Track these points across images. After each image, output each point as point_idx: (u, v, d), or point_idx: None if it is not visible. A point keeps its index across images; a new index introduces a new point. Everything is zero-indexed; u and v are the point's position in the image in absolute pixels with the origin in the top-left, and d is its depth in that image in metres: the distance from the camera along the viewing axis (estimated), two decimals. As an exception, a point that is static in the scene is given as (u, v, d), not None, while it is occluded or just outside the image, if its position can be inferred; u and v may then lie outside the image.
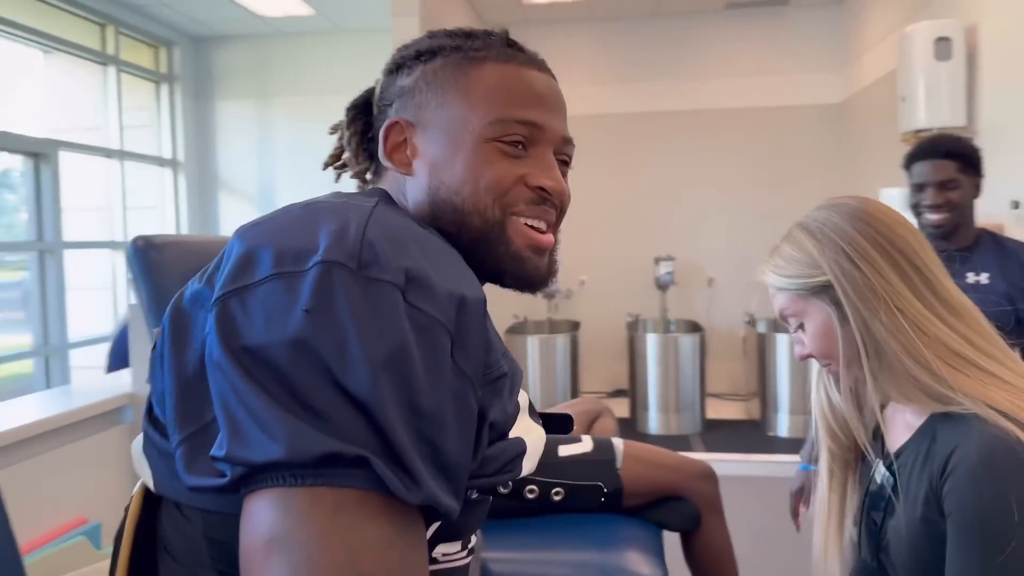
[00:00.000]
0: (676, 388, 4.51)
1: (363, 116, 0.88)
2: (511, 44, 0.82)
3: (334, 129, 0.92)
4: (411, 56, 0.82)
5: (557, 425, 1.00)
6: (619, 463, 1.74)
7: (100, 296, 4.56)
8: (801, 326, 1.08)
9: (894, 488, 1.02)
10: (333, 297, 0.56)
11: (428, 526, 0.65)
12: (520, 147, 0.77)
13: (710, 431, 4.52)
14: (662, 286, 4.96)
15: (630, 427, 4.59)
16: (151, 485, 0.70)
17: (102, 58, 4.50)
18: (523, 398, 0.76)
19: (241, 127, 5.10)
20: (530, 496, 0.77)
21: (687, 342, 4.52)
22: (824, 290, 1.02)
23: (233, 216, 5.08)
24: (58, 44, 4.21)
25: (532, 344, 4.65)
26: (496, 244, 0.76)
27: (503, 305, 5.34)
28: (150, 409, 0.70)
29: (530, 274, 0.79)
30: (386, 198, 0.78)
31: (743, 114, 5.14)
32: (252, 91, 5.09)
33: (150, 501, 0.72)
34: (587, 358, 5.15)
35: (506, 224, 0.76)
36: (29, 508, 1.38)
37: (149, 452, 0.69)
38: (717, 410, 4.83)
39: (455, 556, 0.74)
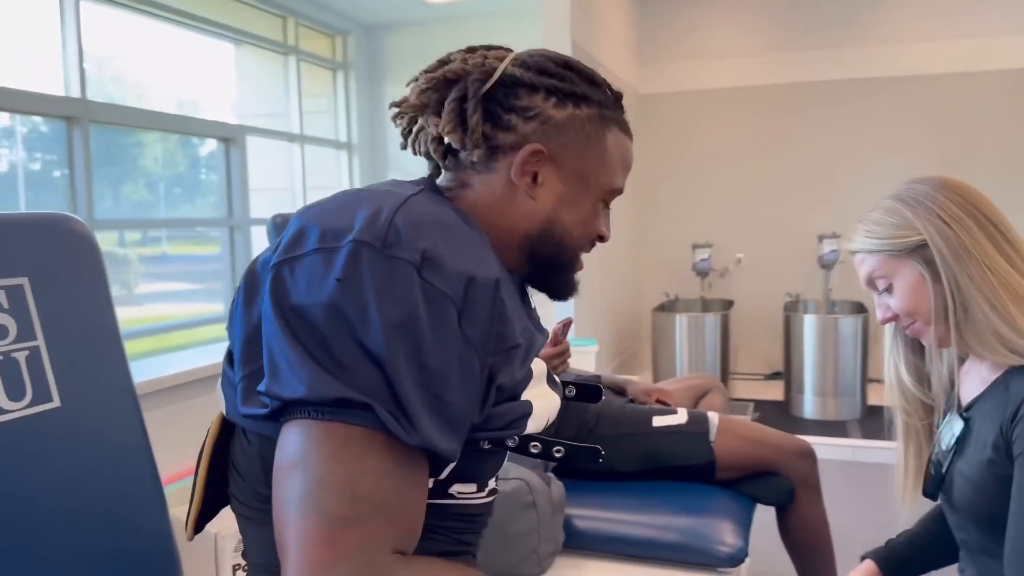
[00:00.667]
0: (835, 372, 4.32)
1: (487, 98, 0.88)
2: (623, 107, 0.95)
3: (428, 83, 0.89)
4: (564, 90, 0.87)
5: (588, 394, 1.09)
6: (712, 436, 1.76)
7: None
8: (889, 288, 1.15)
9: (963, 436, 1.12)
10: (360, 270, 0.68)
11: (443, 469, 0.75)
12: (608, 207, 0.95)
13: (870, 418, 4.31)
14: (826, 265, 4.75)
15: (783, 411, 4.46)
16: (225, 413, 0.84)
17: (284, 48, 4.91)
18: (539, 366, 0.86)
19: (408, 110, 5.39)
20: (534, 451, 0.87)
21: (848, 324, 4.31)
22: (917, 250, 1.11)
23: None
24: (246, 37, 4.64)
25: (680, 322, 4.61)
26: (565, 272, 0.93)
27: (653, 283, 5.32)
28: (229, 353, 0.84)
29: (572, 292, 0.97)
30: (431, 187, 0.89)
31: (917, 82, 4.78)
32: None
33: (225, 428, 0.86)
34: (741, 338, 5.04)
35: (578, 259, 0.93)
36: (173, 444, 1.62)
37: (224, 387, 0.84)
38: (880, 396, 4.57)
39: (472, 495, 0.85)
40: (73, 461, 1.06)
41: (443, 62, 0.91)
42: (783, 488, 1.76)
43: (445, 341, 0.70)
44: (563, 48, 3.94)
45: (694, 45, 5.25)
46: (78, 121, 3.02)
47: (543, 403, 0.84)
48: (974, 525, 1.12)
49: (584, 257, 0.95)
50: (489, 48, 0.93)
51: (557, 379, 0.96)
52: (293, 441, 0.68)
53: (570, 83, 0.88)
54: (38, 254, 1.09)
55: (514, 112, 0.86)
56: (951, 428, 1.15)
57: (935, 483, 1.17)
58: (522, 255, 0.89)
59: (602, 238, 0.96)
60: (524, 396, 0.81)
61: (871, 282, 1.18)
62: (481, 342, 0.73)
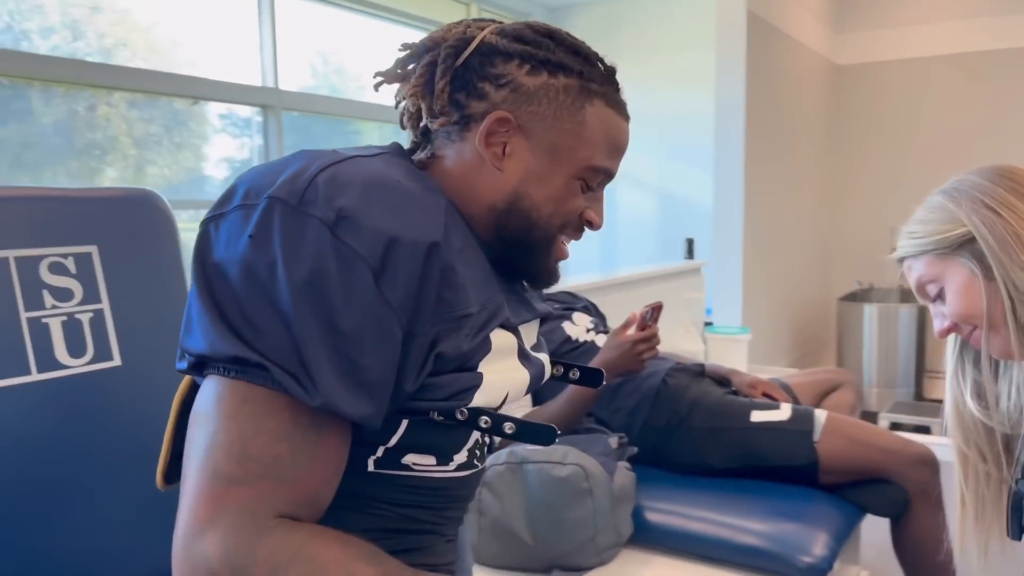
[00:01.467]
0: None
1: (452, 61, 0.84)
2: (615, 83, 0.88)
3: (408, 51, 0.88)
4: (538, 57, 0.84)
5: (590, 377, 1.02)
6: (817, 436, 1.62)
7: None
8: (940, 294, 1.03)
9: None
10: (271, 227, 0.68)
11: (377, 437, 0.75)
12: (592, 189, 0.88)
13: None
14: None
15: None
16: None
17: (466, 36, 5.07)
18: (506, 340, 0.82)
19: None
20: (484, 426, 0.82)
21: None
22: (964, 245, 0.98)
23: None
24: (432, 25, 4.83)
25: (869, 313, 4.22)
26: (539, 254, 0.87)
27: (844, 270, 4.92)
28: None
29: (547, 280, 0.91)
30: (398, 150, 0.87)
31: None
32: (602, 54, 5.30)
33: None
34: (943, 334, 4.53)
35: (553, 242, 0.87)
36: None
37: None
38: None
39: (432, 468, 0.81)
40: (131, 415, 1.17)
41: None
42: (896, 498, 1.57)
43: (357, 302, 0.67)
44: (737, 19, 3.71)
45: (897, 10, 4.77)
46: (272, 109, 3.29)
47: (501, 377, 0.80)
48: None
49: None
50: (481, 21, 0.90)
51: (534, 355, 0.90)
52: (204, 395, 0.70)
53: (546, 50, 0.83)
54: (112, 225, 1.20)
55: (488, 80, 0.82)
56: None
57: (1016, 521, 1.01)
58: (491, 231, 0.85)
59: (591, 224, 0.89)
60: (482, 368, 0.78)
61: (921, 290, 1.05)
62: (403, 305, 0.70)
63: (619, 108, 0.88)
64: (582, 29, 5.35)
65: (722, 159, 3.78)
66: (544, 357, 0.93)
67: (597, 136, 0.85)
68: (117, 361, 1.16)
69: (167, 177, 3.35)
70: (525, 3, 5.28)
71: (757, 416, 1.67)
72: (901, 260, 1.08)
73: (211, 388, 0.69)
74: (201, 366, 0.70)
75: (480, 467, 0.90)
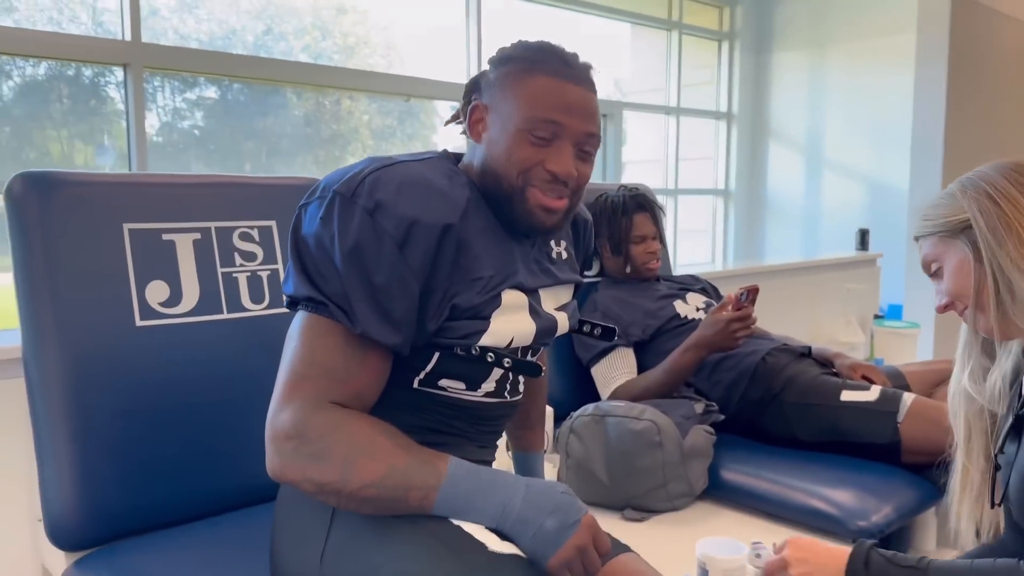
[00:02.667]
0: None
1: (474, 87, 1.15)
2: (568, 63, 1.10)
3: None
4: (501, 57, 1.14)
5: (605, 333, 1.27)
6: (901, 417, 1.71)
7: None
8: (939, 273, 1.14)
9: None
10: (332, 212, 1.00)
11: (416, 360, 1.05)
12: (544, 140, 1.08)
13: None
14: None
15: None
16: None
17: (668, 24, 5.19)
18: (517, 298, 1.10)
19: (794, 78, 5.29)
20: (489, 360, 1.09)
21: None
22: (964, 230, 1.08)
23: (781, 163, 5.34)
24: (632, 17, 5.03)
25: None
26: (516, 203, 1.09)
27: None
28: None
29: (537, 224, 1.10)
30: (445, 155, 1.16)
31: None
32: (807, 41, 5.21)
33: None
34: None
35: (525, 191, 1.09)
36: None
37: None
38: None
39: (463, 392, 1.11)
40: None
41: None
42: (974, 483, 1.60)
43: (386, 264, 0.97)
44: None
45: None
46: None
47: (507, 327, 1.08)
48: None
49: None
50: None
51: (547, 312, 1.15)
52: (293, 324, 1.04)
53: (504, 52, 1.12)
54: (287, 205, 1.58)
55: (480, 87, 1.13)
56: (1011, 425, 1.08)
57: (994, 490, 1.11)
58: (484, 190, 1.11)
59: (555, 174, 1.06)
60: (493, 318, 1.06)
61: (926, 267, 1.15)
62: (421, 268, 0.99)
63: (563, 75, 1.07)
64: (787, 16, 5.29)
65: (919, 146, 3.66)
66: (561, 315, 1.18)
67: (533, 98, 1.06)
68: (286, 309, 1.55)
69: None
70: (731, -10, 5.30)
71: (847, 395, 1.77)
72: (916, 239, 1.18)
73: (297, 319, 1.03)
74: (294, 304, 1.04)
75: (510, 399, 1.17)
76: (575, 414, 1.77)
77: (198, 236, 1.45)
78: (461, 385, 1.10)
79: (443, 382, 1.09)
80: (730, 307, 1.80)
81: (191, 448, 1.38)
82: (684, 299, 2.07)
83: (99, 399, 1.28)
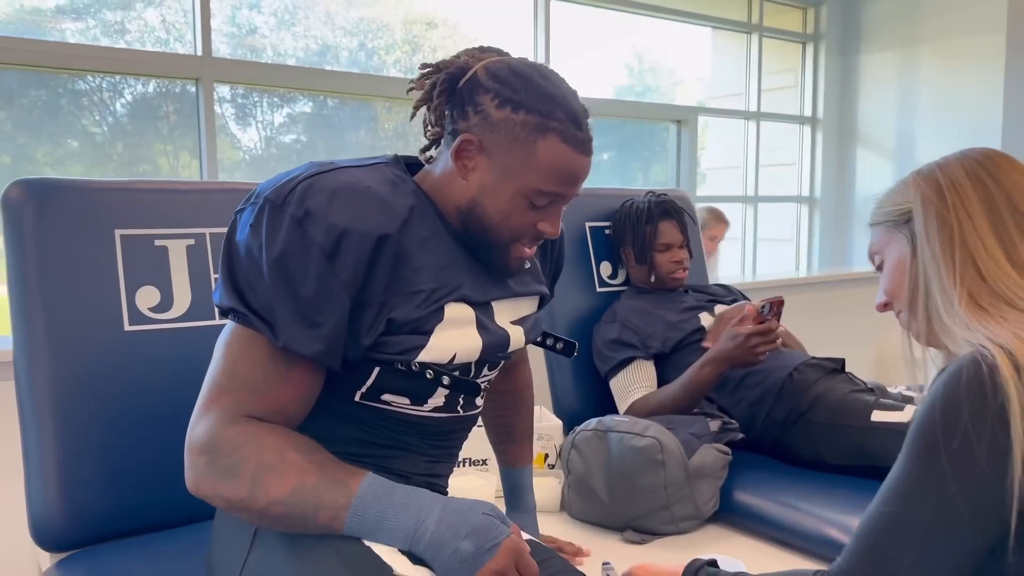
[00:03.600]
0: None
1: (452, 89, 1.06)
2: (579, 125, 1.05)
3: (420, 86, 1.10)
4: (505, 95, 1.02)
5: (566, 349, 1.26)
6: (935, 441, 1.56)
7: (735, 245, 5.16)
8: (882, 266, 1.04)
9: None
10: (261, 220, 0.98)
11: (351, 376, 1.02)
12: (543, 206, 1.05)
13: None
14: None
15: None
16: None
17: (748, 27, 5.03)
18: (462, 312, 1.06)
19: (884, 79, 5.02)
20: (428, 377, 1.05)
21: None
22: (907, 223, 0.98)
23: (869, 169, 5.07)
24: (716, 23, 4.90)
25: None
26: (497, 254, 1.08)
27: None
28: None
29: (511, 270, 1.10)
30: (395, 160, 1.11)
31: None
32: (897, 41, 4.94)
33: None
34: None
35: (511, 247, 1.08)
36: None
37: None
38: None
39: (408, 407, 1.07)
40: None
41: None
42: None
43: (313, 275, 0.94)
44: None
45: None
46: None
47: (450, 342, 1.03)
48: None
49: None
50: (485, 50, 1.10)
51: (497, 327, 1.09)
52: (222, 333, 1.01)
53: (513, 91, 1.02)
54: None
55: (471, 106, 1.04)
56: None
57: None
58: (459, 223, 1.07)
59: (543, 235, 1.06)
60: (438, 334, 1.02)
61: (871, 258, 1.06)
62: (352, 280, 0.95)
63: (574, 143, 1.02)
64: (875, 17, 5.03)
65: (1009, 147, 3.41)
66: (515, 329, 1.13)
67: (545, 165, 1.01)
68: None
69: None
70: (814, -9, 5.09)
71: (878, 416, 1.64)
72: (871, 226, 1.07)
73: (225, 328, 1.01)
74: (224, 313, 1.01)
75: (464, 413, 1.12)
76: (578, 428, 1.70)
77: (192, 242, 1.47)
78: (405, 400, 1.06)
79: (386, 397, 1.05)
80: (751, 320, 1.70)
81: (175, 454, 1.37)
82: (711, 311, 1.97)
83: (84, 402, 1.31)
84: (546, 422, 1.88)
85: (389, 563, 0.89)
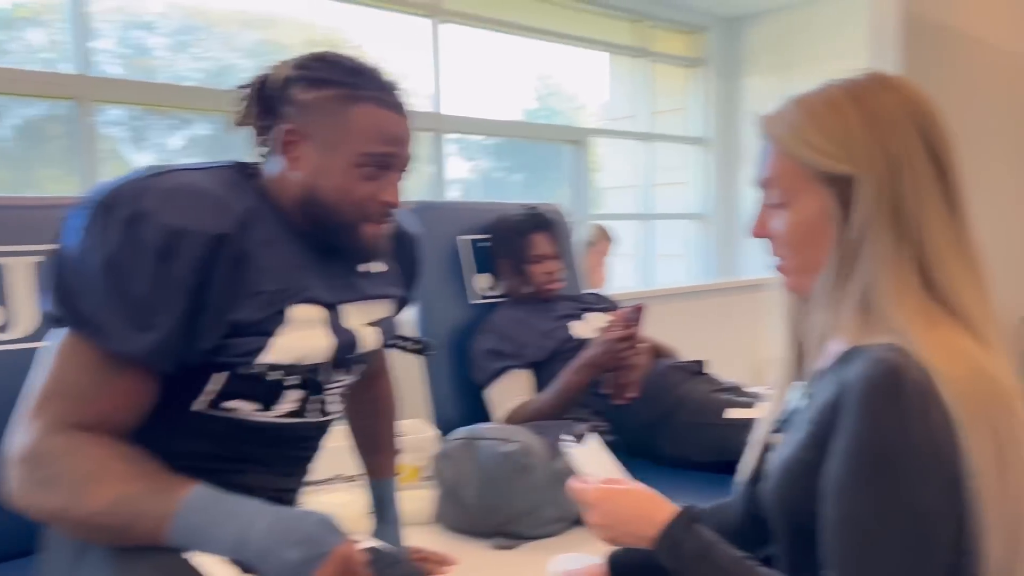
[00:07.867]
0: None
1: (263, 95, 1.08)
2: (386, 87, 1.08)
3: (243, 98, 1.10)
4: (311, 77, 1.06)
5: (420, 350, 1.25)
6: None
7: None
8: (781, 206, 0.92)
9: (793, 414, 0.93)
10: (92, 221, 0.95)
11: (205, 382, 1.00)
12: (375, 173, 1.06)
13: None
14: None
15: None
16: None
17: (639, 53, 5.18)
18: (310, 314, 1.05)
19: (763, 102, 5.23)
20: (270, 379, 1.03)
21: None
22: (841, 182, 0.86)
23: (753, 188, 5.28)
24: (610, 48, 5.02)
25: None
26: (349, 236, 1.09)
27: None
28: None
29: (363, 257, 1.14)
30: (235, 165, 1.11)
31: None
32: (775, 65, 5.19)
33: None
34: None
35: (358, 226, 1.08)
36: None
37: None
38: None
39: (255, 413, 1.05)
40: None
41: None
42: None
43: (143, 277, 0.92)
44: (890, 22, 3.50)
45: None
46: (437, 131, 3.71)
47: (295, 343, 1.03)
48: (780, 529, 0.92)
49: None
50: (297, 59, 1.10)
51: (350, 328, 1.10)
52: (52, 340, 0.97)
53: (318, 72, 1.05)
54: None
55: (284, 102, 1.06)
56: (793, 403, 0.95)
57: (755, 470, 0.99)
58: (305, 220, 1.08)
59: (389, 204, 1.08)
60: (278, 335, 1.01)
61: (764, 184, 0.95)
62: (187, 281, 0.93)
63: (387, 105, 1.06)
64: (758, 41, 5.28)
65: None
66: (368, 331, 1.13)
67: (364, 128, 1.04)
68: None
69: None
70: (699, 16, 5.30)
71: (731, 413, 1.71)
72: (765, 135, 0.96)
73: (55, 336, 0.97)
74: (51, 320, 0.98)
75: (315, 419, 1.12)
76: (448, 437, 1.71)
77: (40, 259, 1.42)
78: (252, 406, 1.04)
79: (231, 403, 1.03)
80: (618, 326, 1.74)
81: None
82: (581, 319, 2.02)
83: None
84: (423, 434, 1.88)
85: (210, 574, 0.87)
